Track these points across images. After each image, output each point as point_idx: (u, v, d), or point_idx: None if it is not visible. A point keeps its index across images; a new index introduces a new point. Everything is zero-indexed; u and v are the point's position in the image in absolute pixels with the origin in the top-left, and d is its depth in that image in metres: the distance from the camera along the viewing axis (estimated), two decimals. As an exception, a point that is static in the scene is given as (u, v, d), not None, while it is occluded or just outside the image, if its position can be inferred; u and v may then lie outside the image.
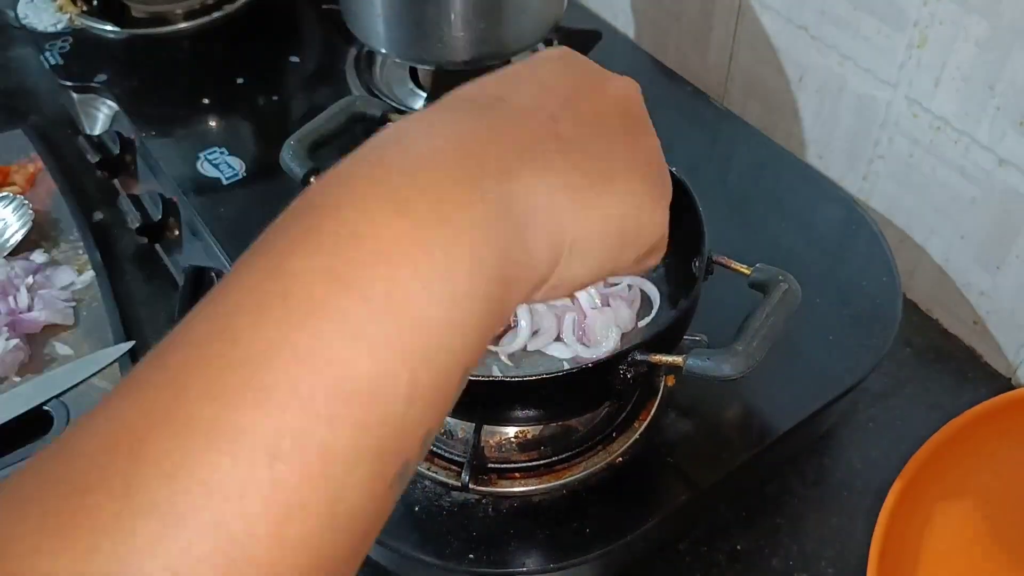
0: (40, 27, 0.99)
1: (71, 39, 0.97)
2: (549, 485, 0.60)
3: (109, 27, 0.98)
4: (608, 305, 0.65)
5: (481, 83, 0.35)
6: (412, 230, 0.27)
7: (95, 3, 1.00)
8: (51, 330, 0.75)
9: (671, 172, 0.64)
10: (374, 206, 0.27)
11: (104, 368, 0.71)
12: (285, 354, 0.24)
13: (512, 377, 0.56)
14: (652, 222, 0.37)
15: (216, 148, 0.84)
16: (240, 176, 0.82)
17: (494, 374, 0.61)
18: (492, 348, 0.63)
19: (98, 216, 0.89)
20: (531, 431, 0.63)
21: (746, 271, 0.58)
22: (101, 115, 0.94)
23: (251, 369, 0.24)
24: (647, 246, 0.38)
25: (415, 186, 0.28)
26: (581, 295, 0.64)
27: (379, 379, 0.25)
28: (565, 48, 0.40)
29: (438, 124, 0.31)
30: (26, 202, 0.84)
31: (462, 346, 0.28)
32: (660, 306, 0.66)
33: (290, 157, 0.62)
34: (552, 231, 0.32)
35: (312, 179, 0.62)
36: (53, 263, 0.81)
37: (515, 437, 0.63)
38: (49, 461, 0.24)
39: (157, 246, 0.84)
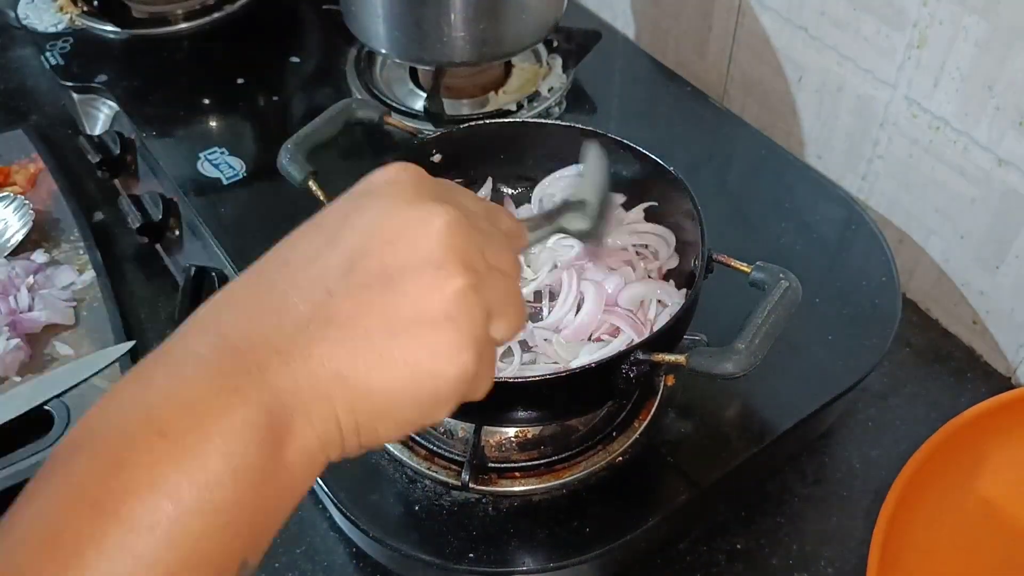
0: (41, 27, 0.99)
1: (71, 39, 0.97)
2: (549, 484, 0.60)
3: (109, 27, 0.98)
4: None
5: (282, 244, 0.36)
6: (172, 449, 0.29)
7: (95, 3, 1.00)
8: (52, 330, 0.75)
9: (670, 171, 0.65)
10: (135, 430, 0.30)
11: (105, 368, 0.71)
12: None
13: (514, 378, 0.56)
14: (447, 378, 0.34)
15: (216, 148, 0.84)
16: (240, 176, 0.82)
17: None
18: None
19: (98, 216, 0.89)
20: (531, 431, 0.63)
21: (746, 269, 0.58)
22: (101, 115, 0.94)
23: None
24: (453, 396, 0.35)
25: (175, 402, 0.30)
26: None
27: None
28: (396, 171, 0.37)
29: (209, 324, 0.33)
30: (27, 202, 0.84)
31: (236, 543, 0.30)
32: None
33: (287, 161, 0.62)
34: (326, 416, 0.33)
35: (311, 183, 0.62)
36: (54, 263, 0.81)
37: (515, 437, 0.63)
38: None
39: (157, 246, 0.85)
